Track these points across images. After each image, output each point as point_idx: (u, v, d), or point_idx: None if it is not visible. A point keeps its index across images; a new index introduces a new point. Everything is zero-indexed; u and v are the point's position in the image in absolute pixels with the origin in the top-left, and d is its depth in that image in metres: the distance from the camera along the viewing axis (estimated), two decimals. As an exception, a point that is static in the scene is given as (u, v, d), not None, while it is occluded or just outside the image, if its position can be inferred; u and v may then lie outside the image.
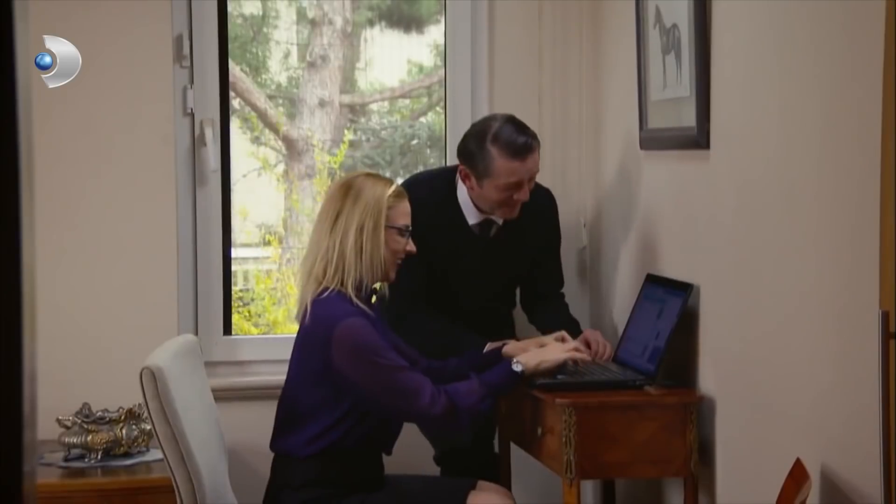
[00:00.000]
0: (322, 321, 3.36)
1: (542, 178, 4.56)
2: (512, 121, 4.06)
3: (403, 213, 3.49)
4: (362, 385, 3.35)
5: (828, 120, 2.96)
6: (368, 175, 3.52)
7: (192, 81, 4.60)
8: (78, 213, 4.49)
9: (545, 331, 4.10)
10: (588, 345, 3.95)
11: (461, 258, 4.16)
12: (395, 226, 3.47)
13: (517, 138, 3.98)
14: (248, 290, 5.09)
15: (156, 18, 4.51)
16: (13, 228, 1.36)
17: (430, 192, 4.15)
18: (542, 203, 4.29)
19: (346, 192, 3.43)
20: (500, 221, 4.16)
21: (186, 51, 4.56)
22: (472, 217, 4.15)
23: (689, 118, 3.73)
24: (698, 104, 3.65)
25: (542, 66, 4.76)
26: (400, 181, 4.10)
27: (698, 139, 3.66)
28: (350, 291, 3.40)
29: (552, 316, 4.25)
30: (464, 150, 4.06)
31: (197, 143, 4.62)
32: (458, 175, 4.12)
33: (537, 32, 4.76)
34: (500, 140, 3.97)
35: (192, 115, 4.62)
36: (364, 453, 3.45)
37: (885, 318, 2.28)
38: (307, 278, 3.45)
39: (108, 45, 4.48)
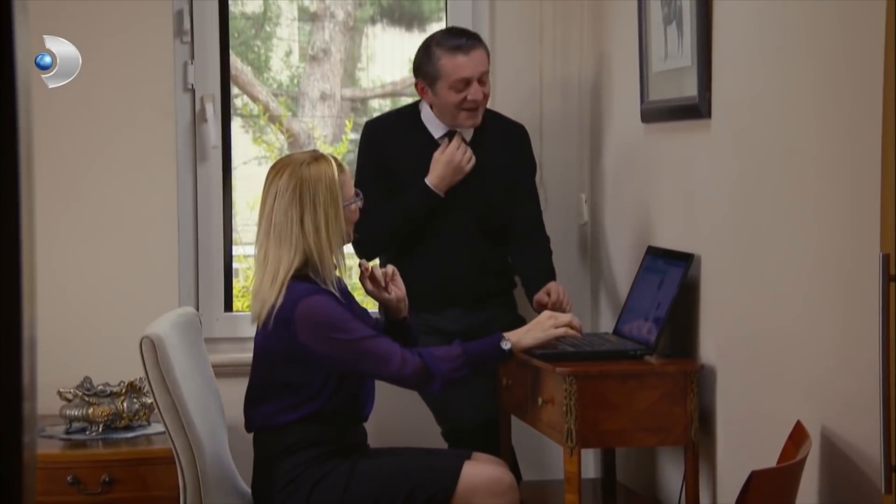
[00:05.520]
0: (283, 305, 3.38)
1: (545, 155, 4.59)
2: (454, 27, 4.37)
3: (349, 182, 3.54)
4: (331, 358, 3.38)
5: (828, 86, 2.96)
6: (308, 161, 3.47)
7: (192, 57, 4.61)
8: (79, 187, 4.49)
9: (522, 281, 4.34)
10: (549, 294, 4.09)
11: None
12: (348, 199, 3.51)
13: (458, 36, 4.22)
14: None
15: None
16: (13, 202, 1.37)
17: (396, 117, 4.39)
18: (512, 131, 4.41)
19: (300, 196, 3.41)
20: (468, 136, 4.27)
21: (187, 26, 4.57)
22: (437, 131, 4.28)
23: (690, 88, 3.73)
24: (700, 73, 3.65)
25: (542, 53, 4.76)
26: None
27: (700, 108, 3.66)
28: (317, 276, 3.43)
29: (526, 262, 4.34)
30: (415, 65, 4.27)
31: (197, 118, 4.62)
32: (420, 100, 4.29)
33: (538, 30, 4.75)
34: (442, 42, 4.20)
35: (193, 90, 4.62)
36: (343, 417, 3.48)
37: (886, 260, 2.29)
38: (272, 276, 3.44)
39: (109, 22, 4.47)
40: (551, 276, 4.28)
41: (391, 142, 4.29)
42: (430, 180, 4.19)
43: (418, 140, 4.26)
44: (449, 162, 4.19)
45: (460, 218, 4.24)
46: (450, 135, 4.26)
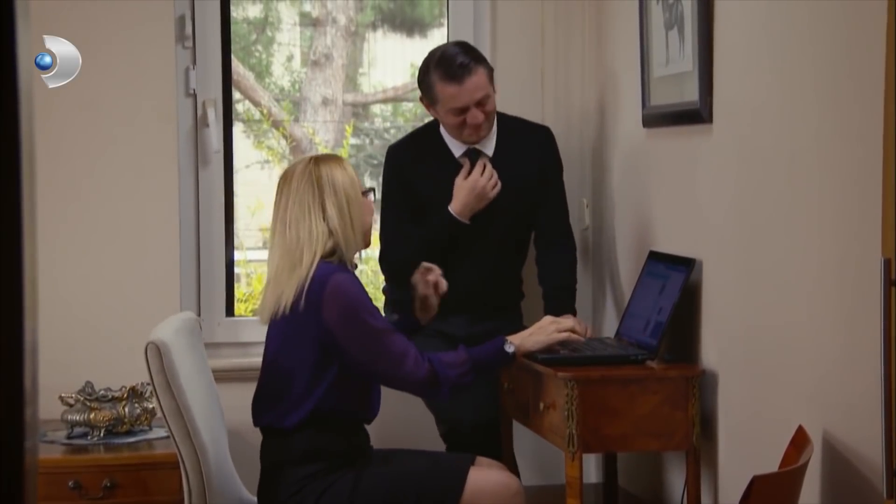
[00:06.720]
0: (312, 284, 3.37)
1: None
2: (457, 44, 4.18)
3: (356, 177, 3.54)
4: (348, 345, 3.34)
5: (830, 91, 2.97)
6: (319, 161, 3.48)
7: (194, 62, 4.61)
8: (81, 192, 4.49)
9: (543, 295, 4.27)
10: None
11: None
12: (364, 190, 3.52)
13: (454, 60, 4.07)
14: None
15: (158, -1, 4.52)
16: (15, 206, 1.37)
17: (416, 138, 4.32)
18: (536, 137, 4.34)
19: (317, 182, 3.42)
20: (490, 151, 4.21)
21: (189, 31, 4.57)
22: (457, 149, 4.22)
23: (691, 92, 3.73)
24: (701, 77, 3.65)
25: (544, 59, 4.76)
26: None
27: (701, 113, 3.66)
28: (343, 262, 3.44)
29: (548, 275, 4.31)
30: (418, 81, 4.18)
31: (199, 123, 4.62)
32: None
33: (540, 34, 4.76)
34: (440, 65, 4.08)
35: (195, 95, 4.62)
36: (350, 423, 3.46)
37: (887, 265, 2.29)
38: (290, 272, 3.42)
39: (110, 27, 4.47)
40: (571, 293, 4.28)
41: (413, 163, 4.24)
42: (453, 208, 4.14)
43: (440, 159, 4.22)
44: (472, 189, 4.13)
45: (478, 229, 4.20)
46: (469, 153, 4.21)
